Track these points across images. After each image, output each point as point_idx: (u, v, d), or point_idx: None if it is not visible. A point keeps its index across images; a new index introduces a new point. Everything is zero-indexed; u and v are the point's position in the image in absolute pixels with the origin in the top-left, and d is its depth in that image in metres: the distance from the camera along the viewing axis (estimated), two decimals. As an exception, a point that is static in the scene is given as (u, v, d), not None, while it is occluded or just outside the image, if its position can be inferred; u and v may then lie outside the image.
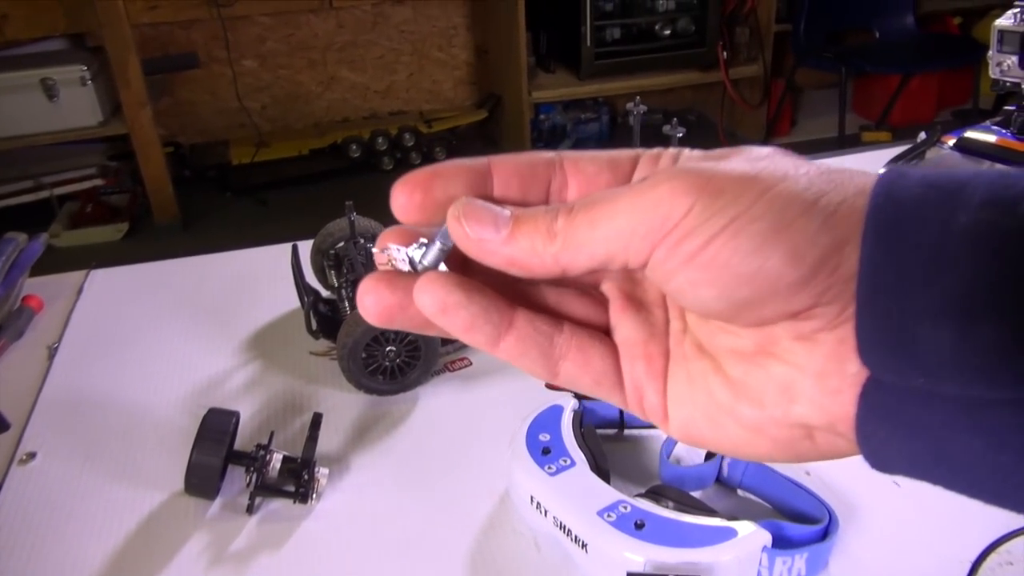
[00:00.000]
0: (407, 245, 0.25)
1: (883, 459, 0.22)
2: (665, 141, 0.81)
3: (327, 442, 0.67)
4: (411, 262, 0.25)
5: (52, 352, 0.80)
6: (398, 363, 0.72)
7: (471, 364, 0.77)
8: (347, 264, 0.78)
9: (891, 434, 0.21)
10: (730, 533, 0.50)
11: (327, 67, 2.97)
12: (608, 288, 0.27)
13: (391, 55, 3.03)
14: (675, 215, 0.22)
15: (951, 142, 0.85)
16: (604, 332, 0.26)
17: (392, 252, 0.25)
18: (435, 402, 0.72)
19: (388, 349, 0.71)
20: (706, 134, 3.08)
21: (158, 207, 2.56)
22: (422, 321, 0.25)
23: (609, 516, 0.52)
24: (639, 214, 0.22)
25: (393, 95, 3.08)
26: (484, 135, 3.10)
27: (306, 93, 2.99)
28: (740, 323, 0.23)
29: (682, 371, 0.25)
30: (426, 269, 0.25)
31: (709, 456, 0.61)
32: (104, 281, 0.92)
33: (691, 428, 0.25)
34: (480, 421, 0.70)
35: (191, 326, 0.84)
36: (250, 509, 0.61)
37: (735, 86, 2.96)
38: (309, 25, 2.90)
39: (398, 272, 0.25)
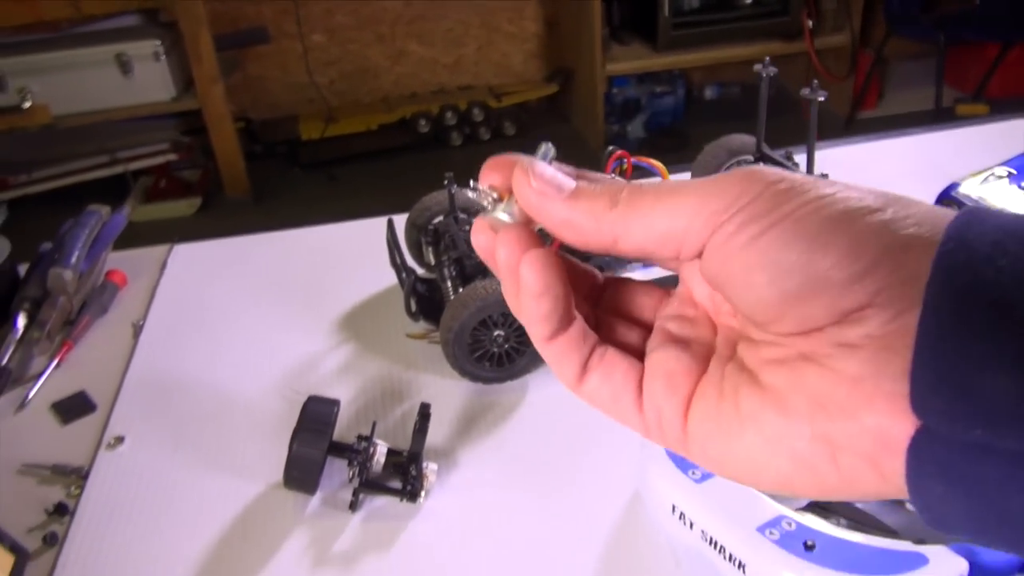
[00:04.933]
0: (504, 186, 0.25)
1: (941, 518, 0.21)
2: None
3: (432, 433, 0.61)
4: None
5: (138, 330, 0.77)
6: (507, 349, 0.66)
7: (581, 350, 0.70)
8: (447, 240, 0.72)
9: (948, 491, 0.20)
10: (919, 560, 0.43)
11: (396, 41, 2.92)
12: (657, 325, 0.27)
13: (460, 28, 2.96)
14: (743, 199, 0.22)
15: None
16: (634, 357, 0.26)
17: (485, 196, 0.25)
18: (547, 392, 0.66)
19: (496, 334, 0.65)
20: (787, 108, 2.93)
21: (230, 182, 2.56)
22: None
23: (771, 533, 0.45)
24: (707, 195, 0.22)
25: (462, 69, 3.02)
26: (555, 110, 3.02)
27: (375, 67, 2.95)
28: (788, 322, 0.22)
29: (713, 390, 0.24)
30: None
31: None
32: (187, 256, 0.88)
33: (709, 445, 0.24)
34: (598, 414, 0.63)
35: (279, 304, 0.79)
36: (353, 506, 0.55)
37: (820, 57, 2.81)
38: (378, -1, 2.84)
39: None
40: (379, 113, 2.87)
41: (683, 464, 0.51)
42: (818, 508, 0.49)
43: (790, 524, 0.45)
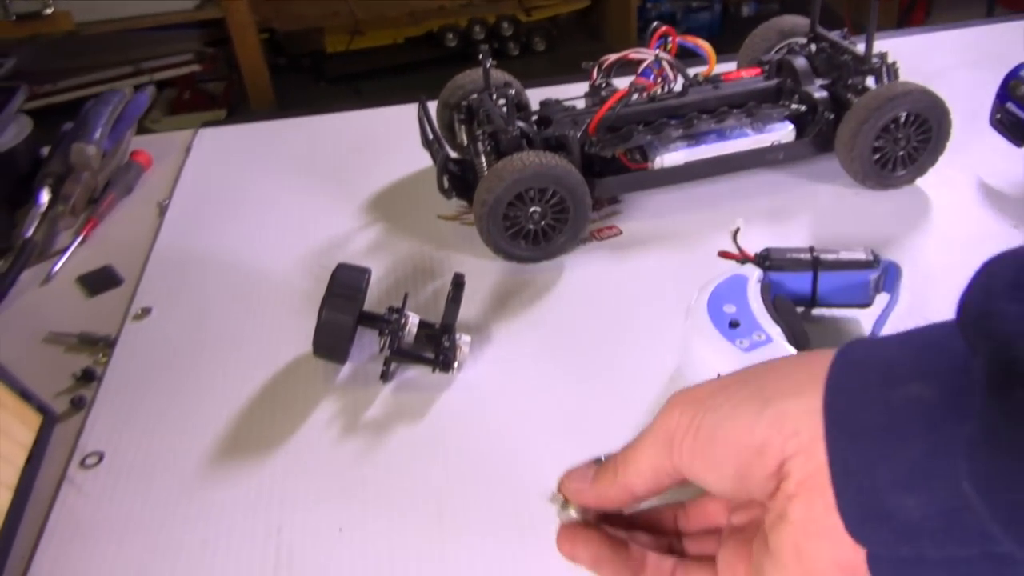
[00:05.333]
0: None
1: None
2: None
3: (464, 310, 0.59)
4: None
5: (163, 209, 0.74)
6: (543, 226, 0.63)
7: (621, 233, 0.67)
8: (482, 116, 0.68)
9: None
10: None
11: (424, -49, 2.82)
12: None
13: (489, -61, 2.85)
14: (670, 425, 0.29)
15: None
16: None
17: (556, 500, 0.34)
18: (584, 272, 0.63)
19: (532, 210, 0.62)
20: (830, 21, 2.81)
21: (254, 94, 2.51)
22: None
23: (828, 398, 0.42)
24: (654, 437, 0.29)
25: (492, -19, 2.91)
26: (586, 25, 2.92)
27: (402, -21, 2.85)
28: (754, 494, 0.27)
29: (755, 569, 0.28)
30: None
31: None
32: (213, 139, 0.86)
33: None
34: (639, 293, 0.60)
35: (308, 186, 0.76)
36: (384, 376, 0.54)
37: (867, -29, 2.67)
38: (406, -95, 2.73)
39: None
40: (406, 26, 2.79)
41: (731, 334, 0.48)
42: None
43: (847, 390, 0.43)
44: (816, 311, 0.57)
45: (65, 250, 0.69)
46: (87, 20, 2.35)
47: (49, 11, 2.35)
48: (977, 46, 0.91)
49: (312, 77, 2.70)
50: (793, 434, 0.25)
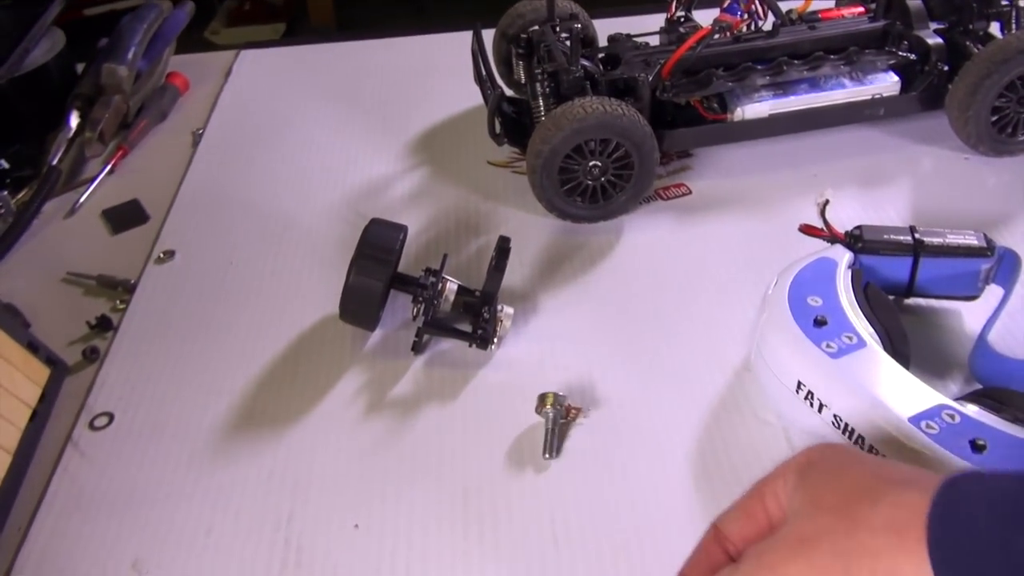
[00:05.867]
0: None
1: None
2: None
3: (509, 274, 0.53)
4: None
5: (196, 138, 0.70)
6: (603, 182, 0.56)
7: (690, 193, 0.60)
8: (542, 52, 0.61)
9: None
10: None
11: None
12: None
13: None
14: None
15: None
16: None
17: None
18: (645, 236, 0.56)
19: (592, 164, 0.55)
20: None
21: (314, 8, 2.43)
22: None
23: (929, 427, 0.36)
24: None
25: None
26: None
27: None
28: None
29: None
30: None
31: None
32: (255, 63, 0.80)
33: None
34: (706, 265, 0.54)
35: (350, 120, 0.70)
36: (416, 348, 0.49)
37: None
38: None
39: None
40: (474, -62, 2.65)
41: (816, 335, 0.41)
42: (984, 398, 0.39)
43: (953, 417, 0.36)
44: (910, 300, 0.49)
45: (92, 180, 0.65)
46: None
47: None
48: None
49: (374, -10, 2.60)
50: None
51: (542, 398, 0.44)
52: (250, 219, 0.60)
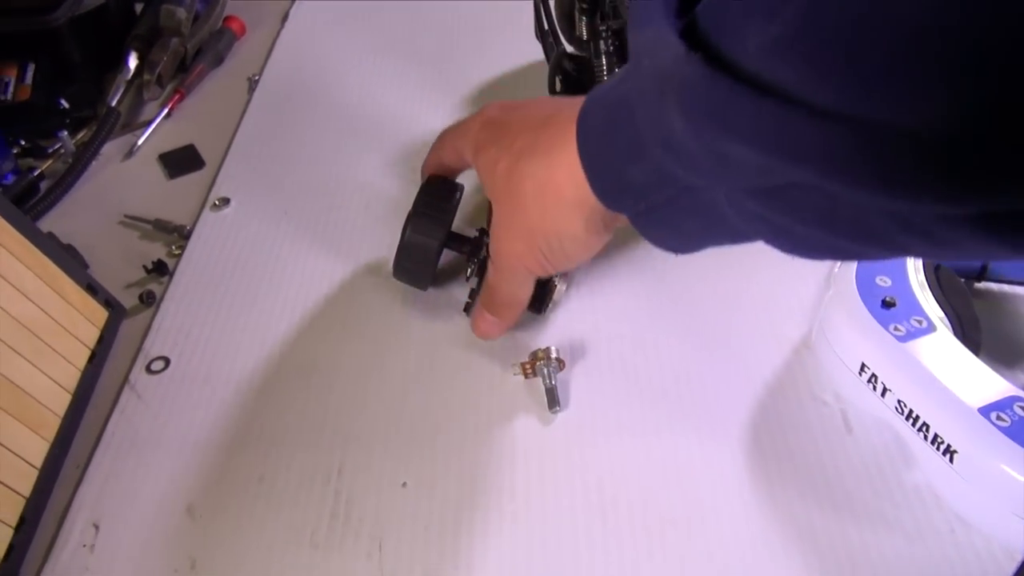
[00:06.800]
0: None
1: (667, 247, 0.36)
2: None
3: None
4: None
5: (252, 85, 0.69)
6: (665, 149, 0.54)
7: (754, 162, 0.58)
8: (607, 8, 0.59)
9: (658, 232, 0.35)
10: None
11: None
12: None
13: None
14: (478, 137, 0.43)
15: None
16: None
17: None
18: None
19: (655, 128, 0.53)
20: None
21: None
22: None
23: (1000, 419, 0.34)
24: (461, 134, 0.45)
25: None
26: None
27: None
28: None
29: None
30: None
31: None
32: (312, 11, 0.79)
33: None
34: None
35: (405, 73, 0.69)
36: (468, 309, 0.48)
37: None
38: None
39: None
40: None
41: (884, 316, 0.40)
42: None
43: (1026, 410, 0.35)
44: (982, 284, 0.48)
45: (150, 123, 0.65)
46: None
47: None
48: None
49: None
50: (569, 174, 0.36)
51: (533, 355, 0.45)
52: (304, 170, 0.60)
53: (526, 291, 0.44)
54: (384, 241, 0.53)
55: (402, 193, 0.56)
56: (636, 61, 0.30)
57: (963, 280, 0.46)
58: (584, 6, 0.62)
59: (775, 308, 0.48)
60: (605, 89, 0.33)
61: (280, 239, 0.55)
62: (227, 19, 0.75)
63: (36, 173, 0.60)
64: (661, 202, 0.32)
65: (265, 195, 0.58)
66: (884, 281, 0.42)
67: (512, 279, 0.43)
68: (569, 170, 0.36)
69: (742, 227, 0.30)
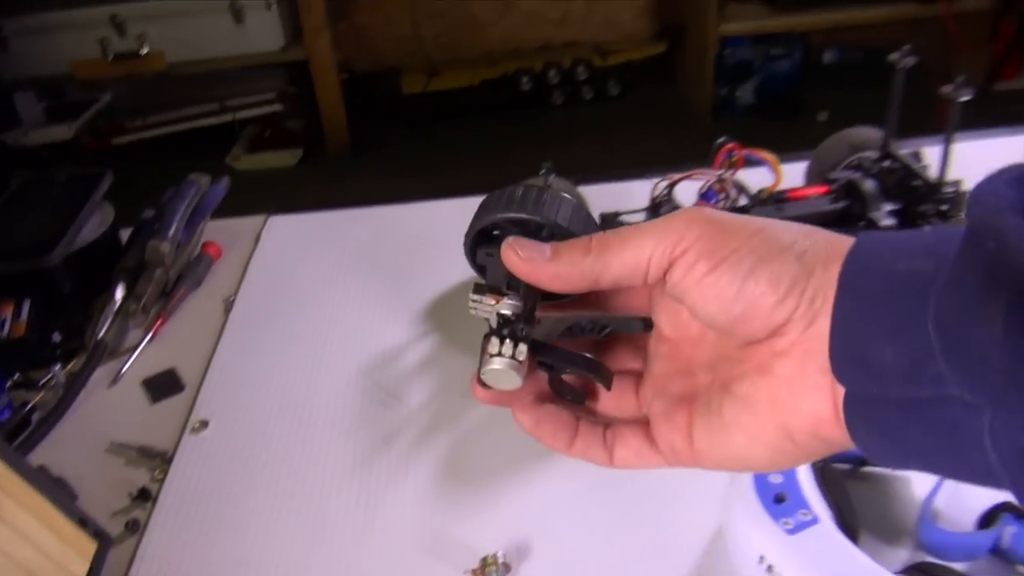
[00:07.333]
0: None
1: (876, 456, 0.28)
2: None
3: (509, 447, 0.60)
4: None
5: (228, 306, 0.77)
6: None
7: (673, 361, 0.66)
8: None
9: (871, 435, 0.27)
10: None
11: (503, -7, 2.86)
12: (646, 373, 0.34)
13: (569, -20, 2.87)
14: (688, 239, 0.29)
15: None
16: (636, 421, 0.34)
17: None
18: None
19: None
20: (916, 77, 2.73)
21: (330, 135, 2.58)
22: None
23: (873, 607, 0.41)
24: (662, 233, 0.30)
25: (569, 24, 2.93)
26: (661, 70, 2.90)
27: (480, 20, 2.90)
28: (737, 336, 0.30)
29: (704, 409, 0.31)
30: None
31: (985, 524, 0.49)
32: (282, 228, 0.89)
33: (713, 452, 0.31)
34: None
35: (369, 285, 0.78)
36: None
37: (957, 21, 2.59)
38: (488, -51, 2.78)
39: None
40: (482, 68, 2.83)
41: (775, 511, 0.47)
42: (921, 572, 0.44)
43: (892, 598, 0.41)
44: (866, 468, 0.55)
45: (134, 349, 0.72)
46: (179, 60, 2.46)
47: (145, 50, 2.47)
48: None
49: (387, 117, 2.76)
50: (810, 301, 0.28)
51: (483, 561, 0.50)
52: (276, 389, 0.67)
53: None
54: (348, 458, 0.60)
55: (366, 407, 0.63)
56: (974, 241, 0.23)
57: (849, 466, 0.54)
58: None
59: (693, 501, 0.54)
60: (887, 252, 0.27)
61: (256, 458, 0.61)
62: (205, 245, 0.84)
63: (29, 407, 0.66)
64: (896, 400, 0.26)
65: (241, 415, 0.65)
66: (776, 478, 0.49)
67: None
68: None
69: (997, 467, 0.24)
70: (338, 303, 0.76)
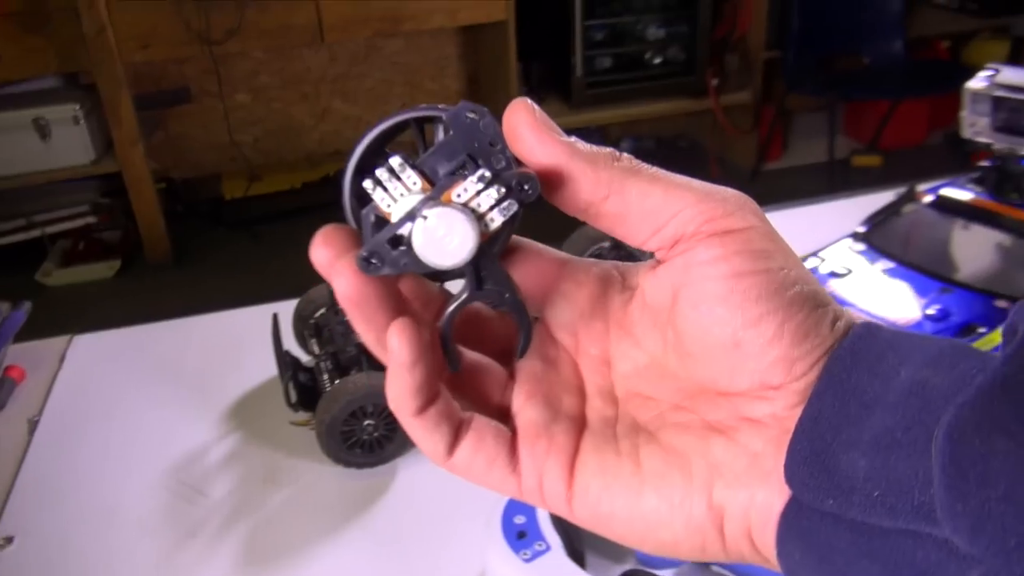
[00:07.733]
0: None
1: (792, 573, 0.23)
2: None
3: (303, 517, 0.67)
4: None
5: (33, 426, 0.80)
6: (376, 436, 0.72)
7: (451, 433, 0.77)
8: (326, 334, 0.78)
9: (805, 556, 0.22)
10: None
11: (320, 99, 2.99)
12: (521, 370, 0.27)
13: (383, 86, 3.04)
14: (735, 221, 0.24)
15: (927, 199, 0.85)
16: (501, 416, 0.26)
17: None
18: (414, 474, 0.72)
19: (367, 423, 0.71)
20: (698, 160, 3.08)
21: (149, 245, 2.56)
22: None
23: (584, 612, 0.51)
24: (707, 197, 0.24)
25: (385, 126, 3.09)
26: (477, 164, 3.11)
27: (299, 126, 3.00)
28: (706, 369, 0.24)
29: (607, 449, 0.25)
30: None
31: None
32: (87, 347, 0.92)
33: (601, 502, 0.25)
34: (458, 496, 0.69)
35: (172, 394, 0.83)
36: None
37: (726, 112, 2.97)
38: (302, 59, 2.91)
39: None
40: (303, 171, 2.92)
41: (517, 544, 0.57)
42: (629, 581, 0.56)
43: (598, 601, 0.52)
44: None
45: (-66, 476, 0.74)
46: (-19, 178, 2.39)
47: (-59, 169, 2.38)
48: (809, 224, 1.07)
49: (210, 223, 2.77)
50: (809, 376, 0.23)
51: None
52: (85, 499, 0.71)
53: None
54: (152, 555, 0.65)
55: (174, 504, 0.69)
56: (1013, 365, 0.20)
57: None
58: (310, 332, 0.81)
59: (466, 548, 0.64)
60: (889, 353, 0.23)
61: (62, 571, 0.65)
62: (7, 368, 0.87)
63: None
64: (853, 523, 0.21)
65: (47, 530, 0.68)
66: (520, 519, 0.59)
67: None
68: None
69: None
70: (145, 412, 0.81)
